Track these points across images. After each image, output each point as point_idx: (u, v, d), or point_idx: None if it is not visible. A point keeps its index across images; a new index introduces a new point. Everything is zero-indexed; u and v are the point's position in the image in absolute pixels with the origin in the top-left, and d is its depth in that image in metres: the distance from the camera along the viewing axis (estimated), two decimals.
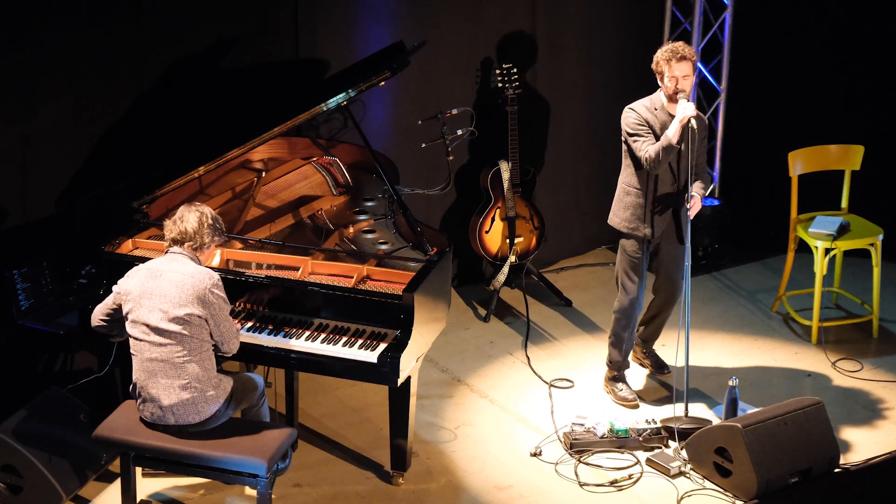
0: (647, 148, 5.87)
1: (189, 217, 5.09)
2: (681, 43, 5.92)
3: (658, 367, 6.50)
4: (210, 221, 5.11)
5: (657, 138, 5.90)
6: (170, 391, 4.99)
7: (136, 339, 5.04)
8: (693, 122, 5.77)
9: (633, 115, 5.96)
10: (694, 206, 5.94)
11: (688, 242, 5.98)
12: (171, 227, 5.11)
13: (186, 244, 5.09)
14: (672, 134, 5.80)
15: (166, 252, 5.13)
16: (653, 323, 6.41)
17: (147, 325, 4.99)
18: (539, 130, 7.56)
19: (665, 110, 5.95)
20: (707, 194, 7.92)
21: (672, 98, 5.91)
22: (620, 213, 6.13)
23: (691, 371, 6.35)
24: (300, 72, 6.61)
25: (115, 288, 5.12)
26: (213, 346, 5.08)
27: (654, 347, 6.54)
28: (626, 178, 6.08)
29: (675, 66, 5.85)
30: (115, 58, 6.03)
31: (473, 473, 5.76)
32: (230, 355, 5.20)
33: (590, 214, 7.92)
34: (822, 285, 6.80)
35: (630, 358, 6.39)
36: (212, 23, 6.28)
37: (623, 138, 6.01)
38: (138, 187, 5.87)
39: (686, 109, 5.78)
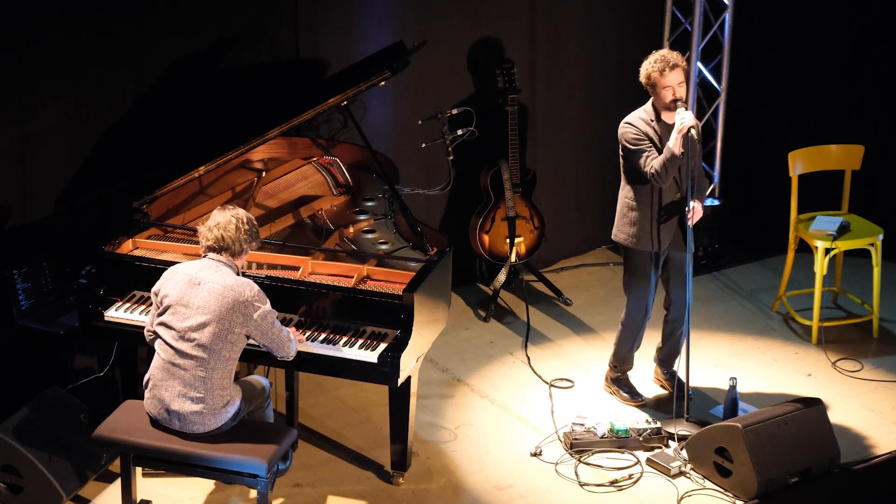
0: (651, 163, 5.73)
1: (225, 224, 5.02)
2: (666, 50, 5.80)
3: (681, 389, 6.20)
4: (246, 227, 5.05)
5: (658, 150, 5.77)
6: (182, 400, 4.96)
7: (163, 340, 5.01)
8: (693, 131, 5.65)
9: (632, 129, 5.81)
10: (694, 215, 5.81)
11: (690, 249, 5.86)
12: (206, 235, 5.03)
13: (224, 252, 5.03)
14: (674, 145, 5.66)
15: (203, 256, 5.05)
16: (670, 340, 6.26)
17: (178, 332, 4.96)
18: (539, 130, 7.55)
19: (661, 121, 5.80)
20: (707, 194, 7.92)
21: (669, 108, 5.76)
22: (626, 228, 5.97)
23: (691, 371, 6.36)
24: (300, 72, 6.61)
25: (152, 290, 5.08)
26: (265, 353, 5.10)
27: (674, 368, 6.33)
28: (628, 192, 5.94)
29: (669, 75, 5.70)
30: (115, 58, 6.03)
31: (473, 473, 5.76)
32: (290, 360, 5.17)
33: (590, 214, 7.92)
34: (823, 285, 6.80)
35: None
36: (212, 23, 6.28)
37: (622, 153, 5.88)
38: (138, 187, 5.87)
39: (685, 119, 5.64)
